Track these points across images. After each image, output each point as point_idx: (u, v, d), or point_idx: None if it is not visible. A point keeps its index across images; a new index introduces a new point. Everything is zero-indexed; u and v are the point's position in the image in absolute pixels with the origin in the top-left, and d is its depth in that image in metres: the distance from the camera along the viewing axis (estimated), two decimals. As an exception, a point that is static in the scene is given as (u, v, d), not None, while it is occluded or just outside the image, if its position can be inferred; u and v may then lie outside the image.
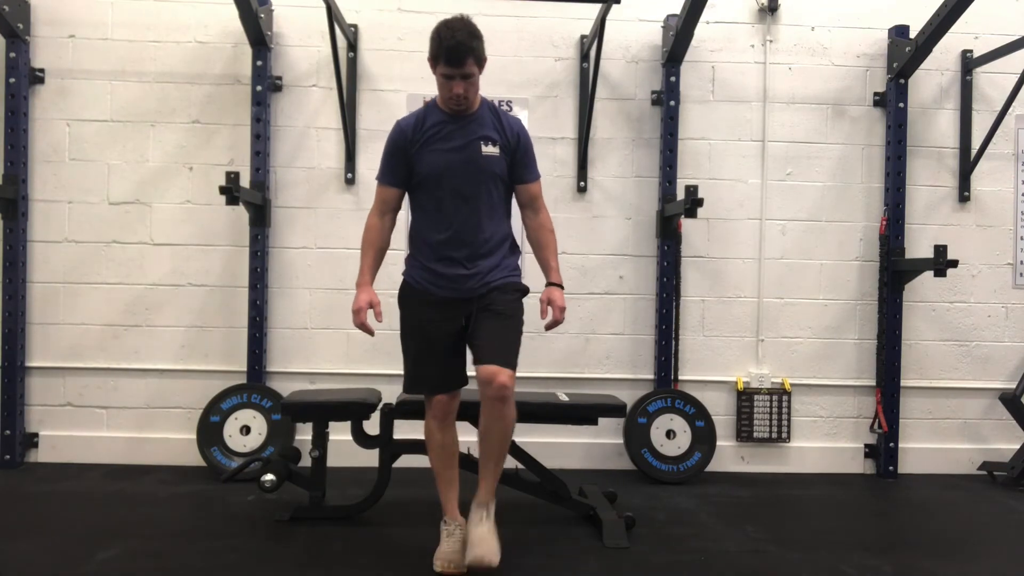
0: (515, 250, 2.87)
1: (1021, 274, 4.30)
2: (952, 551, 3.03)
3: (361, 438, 3.24)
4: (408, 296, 2.83)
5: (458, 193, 2.72)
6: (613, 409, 3.33)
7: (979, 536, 3.27)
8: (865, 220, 4.26)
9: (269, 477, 3.08)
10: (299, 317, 4.11)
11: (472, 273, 2.72)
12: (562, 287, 2.85)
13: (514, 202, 2.91)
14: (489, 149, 2.75)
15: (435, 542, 2.90)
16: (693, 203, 3.61)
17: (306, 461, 3.31)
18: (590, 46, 4.06)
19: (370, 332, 2.78)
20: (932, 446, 4.25)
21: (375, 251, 2.82)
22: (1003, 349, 4.29)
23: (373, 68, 4.14)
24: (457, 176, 2.72)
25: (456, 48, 2.62)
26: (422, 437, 3.24)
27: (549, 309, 2.80)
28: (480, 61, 2.71)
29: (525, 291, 2.86)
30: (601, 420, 3.38)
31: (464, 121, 2.75)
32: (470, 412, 3.15)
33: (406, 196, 2.86)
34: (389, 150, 2.81)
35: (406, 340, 2.84)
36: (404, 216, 4.19)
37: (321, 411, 3.24)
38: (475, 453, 3.24)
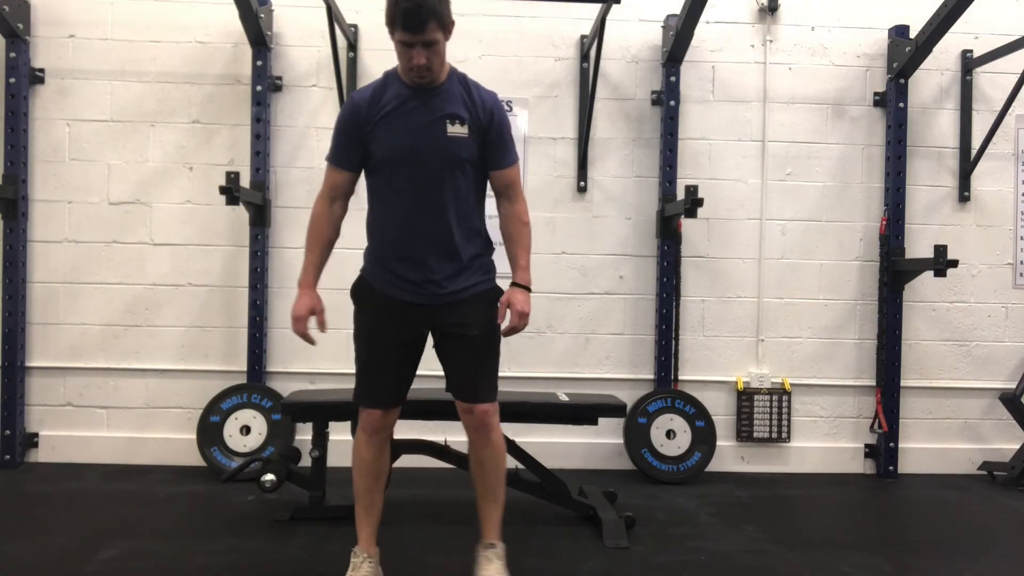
0: (488, 246, 2.55)
1: (1021, 274, 4.30)
2: (952, 551, 3.03)
3: (361, 438, 3.23)
4: (363, 296, 2.52)
5: (418, 181, 2.37)
6: (613, 409, 3.33)
7: (979, 536, 3.27)
8: (865, 220, 4.26)
9: (269, 477, 3.08)
10: (299, 317, 4.11)
11: (437, 279, 2.41)
12: (528, 289, 2.48)
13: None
14: (456, 129, 2.37)
15: (434, 542, 2.92)
16: (693, 203, 3.61)
17: (306, 461, 3.31)
18: (590, 46, 4.06)
19: (311, 342, 2.47)
20: (932, 446, 4.25)
21: (321, 246, 2.51)
22: (1003, 349, 4.29)
23: (373, 68, 4.13)
24: (417, 160, 2.36)
25: (415, 11, 2.22)
26: (422, 437, 3.26)
27: (508, 313, 2.44)
28: (445, 25, 2.29)
29: (500, 295, 2.52)
30: (601, 420, 3.38)
31: (428, 95, 2.37)
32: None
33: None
34: (340, 127, 2.47)
35: (357, 344, 2.52)
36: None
37: (321, 411, 3.24)
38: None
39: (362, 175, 2.53)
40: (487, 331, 2.47)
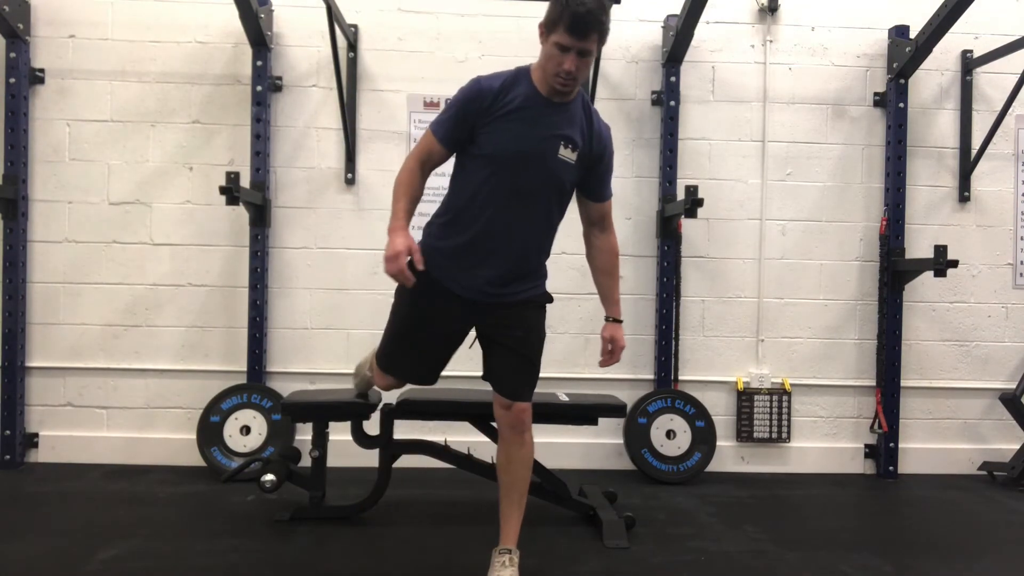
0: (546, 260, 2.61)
1: (1021, 274, 4.30)
2: (952, 551, 3.03)
3: (361, 438, 3.24)
4: (417, 275, 2.43)
5: (514, 188, 2.37)
6: (613, 409, 3.33)
7: (979, 536, 3.27)
8: (865, 220, 4.26)
9: (269, 477, 3.08)
10: (299, 317, 4.11)
11: (497, 288, 2.47)
12: (622, 322, 2.65)
13: None
14: (566, 153, 2.37)
15: (433, 541, 2.92)
16: (693, 203, 3.61)
17: (306, 461, 3.31)
18: (590, 46, 4.06)
19: (408, 281, 2.31)
20: (932, 446, 4.25)
21: (410, 198, 2.40)
22: (1003, 349, 4.29)
23: (373, 68, 4.14)
24: (521, 169, 2.35)
25: (584, 16, 2.21)
26: (422, 437, 3.27)
27: (610, 348, 2.60)
28: (603, 40, 2.30)
29: (549, 300, 2.62)
30: (601, 420, 3.38)
31: (553, 109, 2.36)
32: (472, 412, 3.16)
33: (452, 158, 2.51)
34: (457, 105, 2.38)
35: (395, 316, 2.58)
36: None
37: (321, 411, 3.24)
38: (477, 454, 3.26)
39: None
40: (534, 333, 2.54)
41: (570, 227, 4.11)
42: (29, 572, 2.63)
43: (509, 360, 2.50)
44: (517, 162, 2.36)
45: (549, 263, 2.70)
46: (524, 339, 2.51)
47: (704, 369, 4.23)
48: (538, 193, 2.40)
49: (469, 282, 2.46)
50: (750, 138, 4.24)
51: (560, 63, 2.27)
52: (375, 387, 2.79)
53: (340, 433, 3.29)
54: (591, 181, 2.49)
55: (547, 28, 2.31)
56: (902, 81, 4.14)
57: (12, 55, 3.93)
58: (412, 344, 2.57)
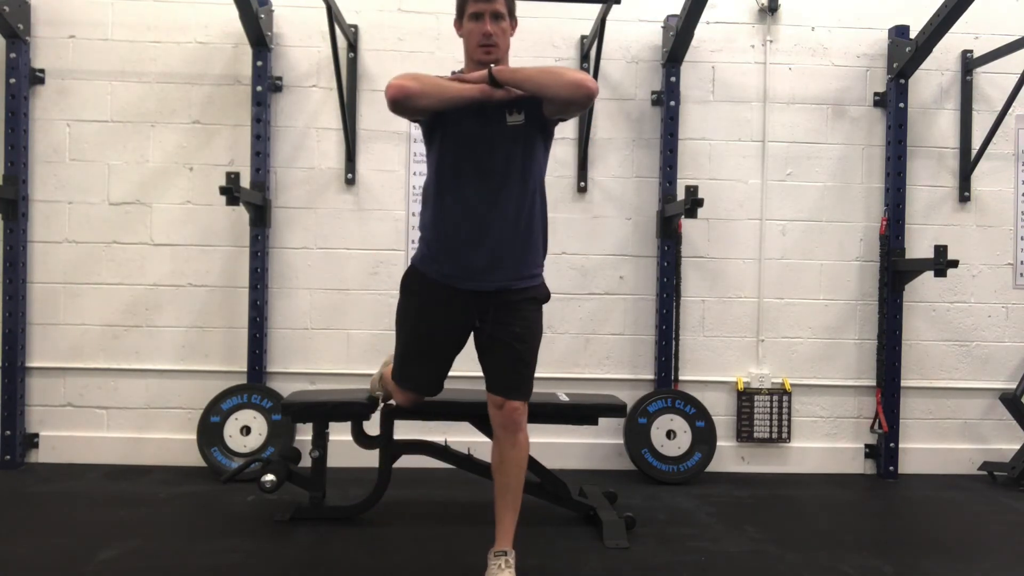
0: (545, 240, 2.63)
1: (1021, 274, 4.30)
2: (952, 551, 3.03)
3: (361, 438, 3.24)
4: (414, 285, 2.61)
5: (472, 170, 2.47)
6: (613, 409, 3.32)
7: (979, 536, 3.27)
8: (865, 220, 4.25)
9: (269, 477, 3.07)
10: (299, 317, 4.11)
11: (493, 266, 2.50)
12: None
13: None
14: (513, 119, 2.47)
15: (434, 541, 2.91)
16: (693, 203, 3.61)
17: (306, 461, 3.31)
18: (590, 46, 4.06)
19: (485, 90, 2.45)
20: (932, 446, 4.25)
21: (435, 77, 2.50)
22: (1003, 349, 4.29)
23: (373, 68, 4.14)
24: (473, 150, 2.47)
25: None
26: (422, 437, 3.27)
27: None
28: (511, 10, 2.51)
29: (546, 298, 2.67)
30: (601, 420, 3.37)
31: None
32: (472, 412, 3.16)
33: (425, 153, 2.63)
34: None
35: (402, 329, 2.65)
36: (407, 217, 4.18)
37: (321, 411, 3.24)
38: (477, 454, 3.26)
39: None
40: (530, 331, 2.58)
41: (569, 227, 4.15)
42: (29, 572, 2.63)
43: (503, 357, 2.55)
44: (468, 143, 2.48)
45: (549, 263, 2.71)
46: (520, 335, 2.54)
47: (704, 369, 4.23)
48: (498, 169, 2.48)
49: (462, 269, 2.51)
50: (750, 138, 4.24)
51: (479, 30, 2.46)
52: (396, 403, 2.87)
53: (340, 433, 3.29)
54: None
55: (459, 16, 2.54)
56: (902, 81, 4.14)
57: (12, 55, 3.93)
58: (422, 351, 2.65)
